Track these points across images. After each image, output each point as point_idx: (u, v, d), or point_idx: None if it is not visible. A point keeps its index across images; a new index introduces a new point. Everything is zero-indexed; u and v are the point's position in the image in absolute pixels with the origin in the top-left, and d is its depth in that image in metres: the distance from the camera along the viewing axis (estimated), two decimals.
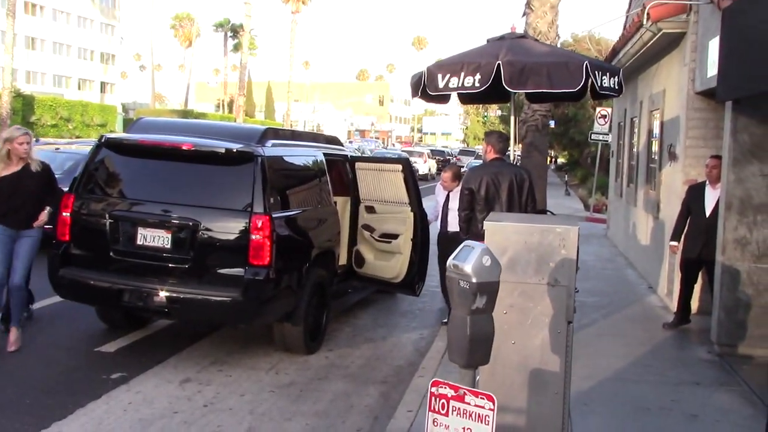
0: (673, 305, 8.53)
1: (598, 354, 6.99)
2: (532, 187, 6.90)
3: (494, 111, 67.47)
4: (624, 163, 14.60)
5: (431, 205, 8.56)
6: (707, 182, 7.92)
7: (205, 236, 6.42)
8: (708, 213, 7.74)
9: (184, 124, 8.53)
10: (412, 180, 7.88)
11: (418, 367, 6.71)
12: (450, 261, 3.33)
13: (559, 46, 13.70)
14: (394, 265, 7.95)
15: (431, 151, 52.01)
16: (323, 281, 7.35)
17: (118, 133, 7.97)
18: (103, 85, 79.41)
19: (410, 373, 6.69)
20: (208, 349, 7.10)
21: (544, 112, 10.81)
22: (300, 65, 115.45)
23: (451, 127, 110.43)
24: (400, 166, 7.90)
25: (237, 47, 72.18)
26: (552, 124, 31.46)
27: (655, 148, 11.07)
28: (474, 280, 3.18)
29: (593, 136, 22.14)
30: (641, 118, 12.44)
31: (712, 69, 7.59)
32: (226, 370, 6.55)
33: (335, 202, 8.11)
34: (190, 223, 6.39)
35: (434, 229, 8.32)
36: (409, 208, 7.88)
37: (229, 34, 79.74)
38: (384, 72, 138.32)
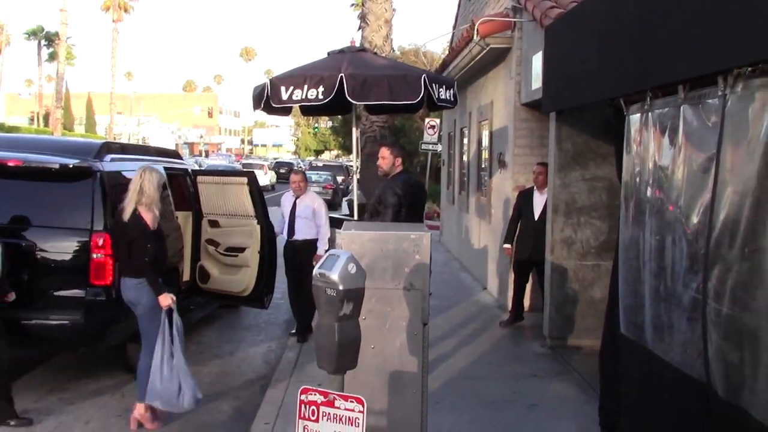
0: (507, 304, 9.06)
1: (443, 354, 7.30)
2: None
3: (325, 122, 67.95)
4: (455, 172, 15.27)
5: (276, 216, 8.55)
6: (535, 188, 8.49)
7: (40, 257, 6.07)
8: (537, 216, 8.30)
9: (9, 139, 8.01)
10: (258, 193, 7.83)
11: (270, 380, 6.69)
12: (316, 270, 3.38)
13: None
14: (242, 279, 7.86)
15: (277, 162, 52.02)
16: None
17: None
18: None
19: (262, 386, 6.66)
20: (46, 377, 6.69)
21: (382, 123, 11.13)
22: (122, 76, 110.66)
23: (282, 138, 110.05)
24: (245, 179, 7.83)
25: (53, 56, 68.07)
26: None
27: (485, 156, 11.70)
28: (341, 288, 3.26)
29: (423, 146, 22.88)
30: (471, 129, 13.09)
31: (537, 82, 8.15)
32: (67, 397, 6.21)
33: (177, 217, 7.92)
34: (23, 244, 6.01)
35: (280, 241, 8.31)
36: (255, 221, 7.83)
37: (44, 42, 74.97)
38: (212, 83, 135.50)
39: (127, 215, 5.53)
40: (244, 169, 19.36)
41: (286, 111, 8.35)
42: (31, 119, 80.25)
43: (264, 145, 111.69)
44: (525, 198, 8.56)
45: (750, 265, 3.33)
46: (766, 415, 3.20)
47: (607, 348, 5.28)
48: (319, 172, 35.20)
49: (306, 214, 8.06)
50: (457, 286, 11.54)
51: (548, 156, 7.86)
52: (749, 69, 3.39)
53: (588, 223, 7.55)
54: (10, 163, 6.17)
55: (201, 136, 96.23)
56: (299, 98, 7.20)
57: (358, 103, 7.55)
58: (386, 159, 6.69)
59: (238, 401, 6.36)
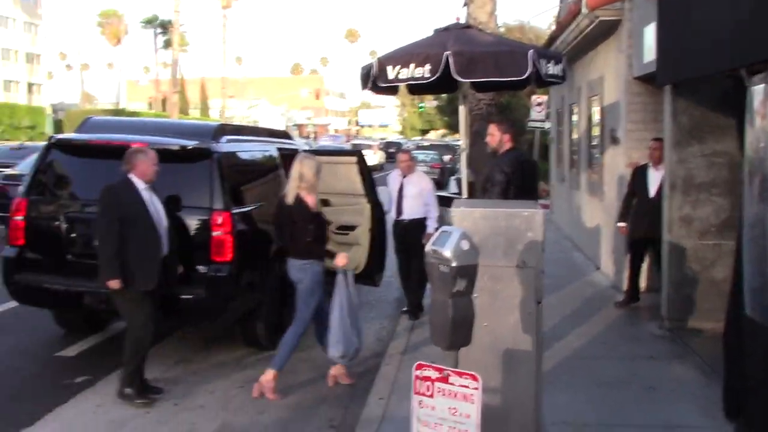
0: (622, 284, 8.83)
1: (556, 334, 7.21)
2: None
3: (430, 101, 67.70)
4: (565, 149, 14.95)
5: (385, 196, 8.64)
6: (650, 164, 8.20)
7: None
8: (652, 193, 8.03)
9: (134, 123, 8.44)
10: (367, 172, 7.95)
11: (384, 356, 6.81)
12: (429, 246, 3.42)
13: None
14: (353, 256, 7.99)
15: (386, 143, 52.87)
16: (284, 275, 7.37)
17: (69, 134, 7.79)
18: (29, 86, 76.84)
19: (375, 362, 6.78)
20: (172, 349, 7.06)
21: (489, 101, 10.99)
22: (233, 61, 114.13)
23: (388, 118, 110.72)
24: (354, 158, 7.96)
25: (167, 44, 70.67)
26: None
27: (595, 133, 11.39)
28: (454, 264, 3.29)
29: (531, 124, 22.48)
30: (580, 104, 12.76)
31: (649, 55, 7.86)
32: (192, 368, 6.55)
33: None
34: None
35: (388, 220, 8.40)
36: (366, 200, 7.95)
37: (159, 30, 78.08)
38: (318, 65, 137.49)
39: (290, 199, 5.89)
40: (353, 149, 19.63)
41: (393, 90, 8.38)
42: (150, 104, 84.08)
43: (370, 126, 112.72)
44: (640, 174, 8.29)
45: None
46: None
47: (731, 329, 5.08)
48: (426, 152, 35.17)
49: (414, 193, 8.10)
50: (569, 265, 11.33)
51: (663, 131, 7.58)
52: None
53: (708, 201, 7.25)
54: (135, 146, 6.50)
55: (309, 118, 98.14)
56: (406, 77, 7.17)
57: (464, 80, 7.49)
58: (494, 136, 6.66)
59: (352, 377, 6.50)
